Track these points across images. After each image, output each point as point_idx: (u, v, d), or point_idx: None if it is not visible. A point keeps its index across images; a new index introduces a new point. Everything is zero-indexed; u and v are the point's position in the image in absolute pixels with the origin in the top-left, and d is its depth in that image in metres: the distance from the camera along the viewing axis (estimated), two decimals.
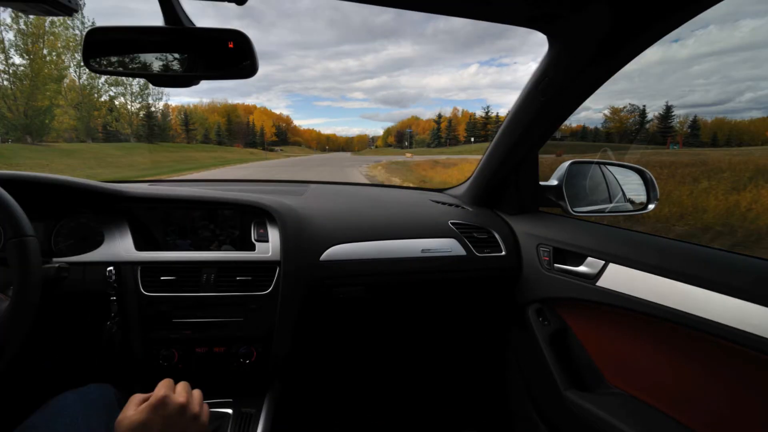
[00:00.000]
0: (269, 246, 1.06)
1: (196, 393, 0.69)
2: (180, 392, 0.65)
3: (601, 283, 0.97)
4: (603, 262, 0.98)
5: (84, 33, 0.67)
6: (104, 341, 0.95)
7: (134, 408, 0.61)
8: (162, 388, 0.64)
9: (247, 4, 0.66)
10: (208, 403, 0.73)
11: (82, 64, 0.69)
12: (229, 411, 0.97)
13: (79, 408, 0.74)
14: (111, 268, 0.94)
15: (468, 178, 1.49)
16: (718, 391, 0.80)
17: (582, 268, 1.03)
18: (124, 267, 0.97)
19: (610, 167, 1.39)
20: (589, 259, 1.01)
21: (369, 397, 1.52)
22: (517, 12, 0.76)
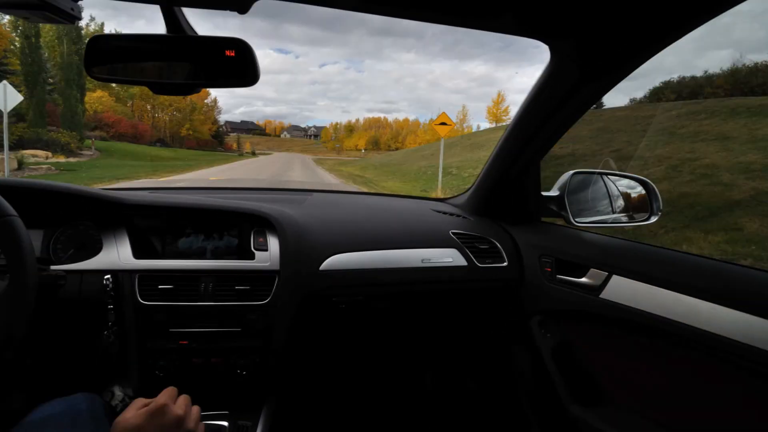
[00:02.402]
0: (269, 255, 1.05)
1: (195, 409, 0.69)
2: (180, 404, 0.66)
3: (605, 295, 0.96)
4: (606, 273, 0.96)
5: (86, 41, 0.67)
6: (101, 351, 0.94)
7: (134, 411, 0.62)
8: (164, 395, 0.65)
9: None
10: (204, 415, 0.72)
11: None
12: (225, 423, 0.96)
13: (66, 419, 0.73)
14: (108, 276, 0.93)
15: (470, 188, 1.48)
16: (725, 407, 0.79)
17: (585, 280, 1.01)
18: (121, 275, 0.96)
19: (612, 177, 1.38)
20: (592, 270, 1.00)
21: (368, 409, 1.49)
22: (521, 24, 0.76)
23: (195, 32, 0.66)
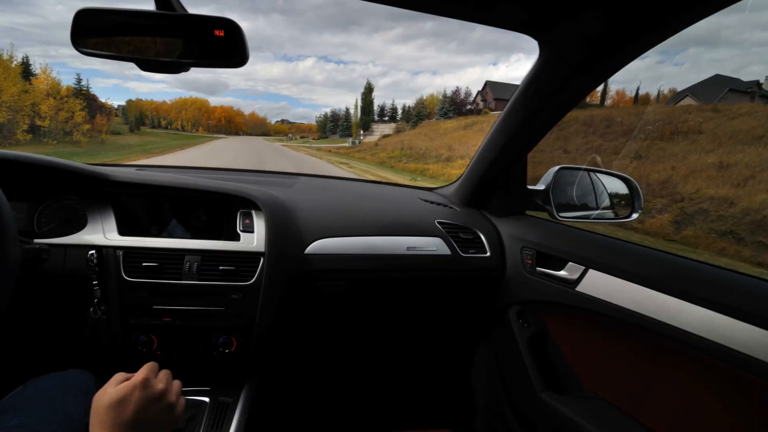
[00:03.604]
0: (254, 237, 1.05)
1: (176, 383, 0.70)
2: (161, 379, 0.67)
3: (581, 288, 0.99)
4: (583, 267, 0.99)
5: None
6: (88, 328, 0.94)
7: (114, 385, 0.62)
8: (145, 370, 0.65)
9: None
10: (185, 390, 0.73)
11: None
12: (206, 399, 0.98)
13: (58, 392, 0.74)
14: (93, 251, 0.94)
15: (458, 178, 1.50)
16: (688, 400, 0.83)
17: (563, 273, 1.04)
18: (106, 251, 0.96)
19: (598, 174, 1.40)
20: (570, 264, 1.03)
21: (347, 392, 1.53)
22: (510, 17, 0.77)
23: (185, 10, 0.65)
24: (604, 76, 0.89)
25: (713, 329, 0.71)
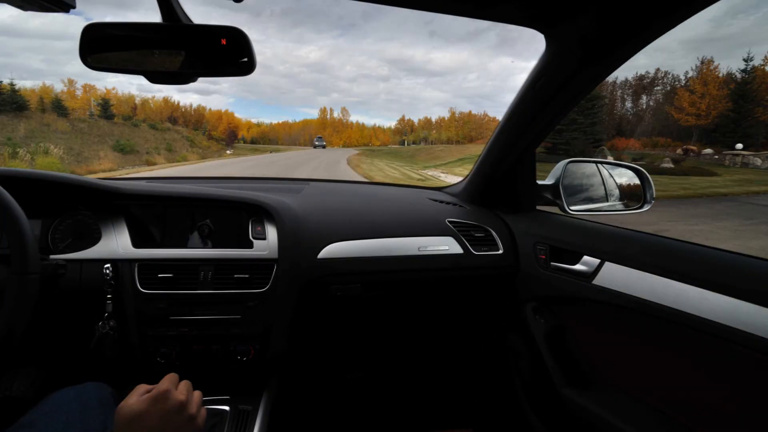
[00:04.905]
0: (267, 244, 1.06)
1: (197, 394, 0.70)
2: (182, 390, 0.67)
3: (597, 281, 0.97)
4: (599, 260, 0.98)
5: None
6: (95, 341, 0.95)
7: (137, 397, 0.63)
8: (166, 381, 0.66)
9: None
10: (205, 399, 0.73)
11: None
12: (227, 408, 0.98)
13: (76, 406, 0.75)
14: (108, 265, 0.94)
15: (466, 177, 1.49)
16: (714, 389, 0.81)
17: (578, 267, 1.03)
18: (121, 264, 0.97)
19: (607, 166, 1.39)
20: (585, 257, 1.02)
21: (366, 395, 1.52)
22: (516, 12, 0.77)
23: (191, 21, 0.66)
24: (613, 67, 0.89)
25: (737, 317, 0.70)
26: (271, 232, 1.08)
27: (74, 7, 0.62)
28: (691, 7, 0.69)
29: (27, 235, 0.75)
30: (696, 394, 0.84)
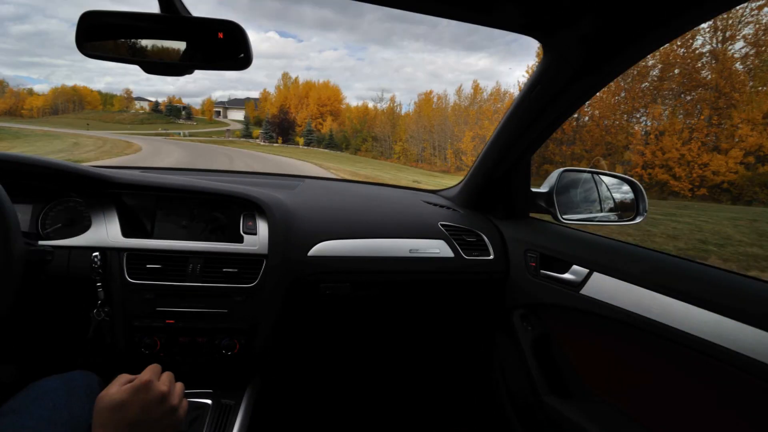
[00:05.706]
0: (257, 239, 1.05)
1: (179, 386, 0.70)
2: (164, 381, 0.67)
3: (585, 291, 0.98)
4: (588, 270, 0.99)
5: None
6: (91, 329, 0.94)
7: (117, 387, 0.62)
8: (148, 372, 0.66)
9: None
10: (188, 392, 0.73)
11: None
12: (209, 402, 0.98)
13: (62, 394, 0.74)
14: (96, 253, 0.94)
15: (461, 181, 1.49)
16: (695, 403, 0.82)
17: (567, 276, 1.04)
18: (110, 253, 0.96)
19: (602, 177, 1.39)
20: (575, 267, 1.02)
21: (351, 395, 1.52)
22: (513, 19, 0.77)
23: (189, 13, 0.66)
24: (610, 77, 0.89)
25: (720, 333, 0.71)
26: (262, 227, 1.07)
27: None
28: (688, 19, 0.70)
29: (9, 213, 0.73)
30: (677, 407, 0.85)
